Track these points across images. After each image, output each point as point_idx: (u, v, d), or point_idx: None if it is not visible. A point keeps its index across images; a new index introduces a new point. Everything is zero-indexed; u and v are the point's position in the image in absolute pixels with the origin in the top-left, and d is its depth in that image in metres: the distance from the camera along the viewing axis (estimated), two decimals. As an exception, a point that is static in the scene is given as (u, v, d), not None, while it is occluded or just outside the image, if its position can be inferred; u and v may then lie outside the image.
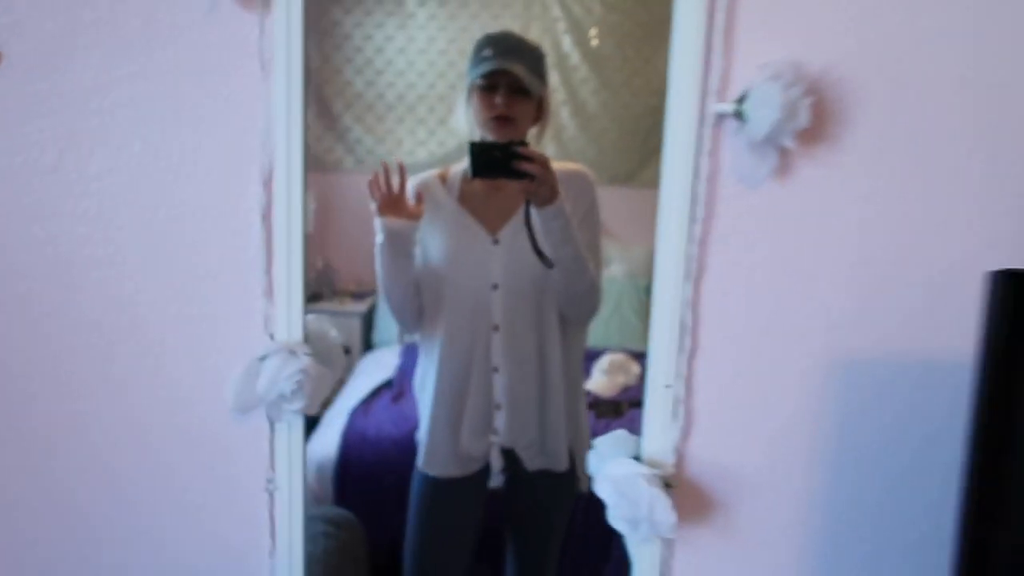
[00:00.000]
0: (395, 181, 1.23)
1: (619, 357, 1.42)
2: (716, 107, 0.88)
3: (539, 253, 1.25)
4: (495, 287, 1.32)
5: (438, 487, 1.41)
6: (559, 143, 2.65)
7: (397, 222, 1.24)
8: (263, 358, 0.89)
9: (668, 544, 0.98)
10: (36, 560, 1.04)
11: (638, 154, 1.42)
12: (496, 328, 1.33)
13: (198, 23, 0.89)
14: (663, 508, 0.92)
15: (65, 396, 0.98)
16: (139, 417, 0.99)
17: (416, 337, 1.49)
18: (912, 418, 0.95)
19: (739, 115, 0.86)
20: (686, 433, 0.97)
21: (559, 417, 1.36)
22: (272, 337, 0.92)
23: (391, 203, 1.23)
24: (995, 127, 0.91)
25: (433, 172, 1.40)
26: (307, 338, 0.93)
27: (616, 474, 0.94)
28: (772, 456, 0.99)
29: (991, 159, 0.91)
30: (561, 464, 1.38)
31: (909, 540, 0.97)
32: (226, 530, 1.00)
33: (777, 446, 0.99)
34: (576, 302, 1.33)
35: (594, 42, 2.61)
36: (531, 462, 1.38)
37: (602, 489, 0.95)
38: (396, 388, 2.06)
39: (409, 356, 2.12)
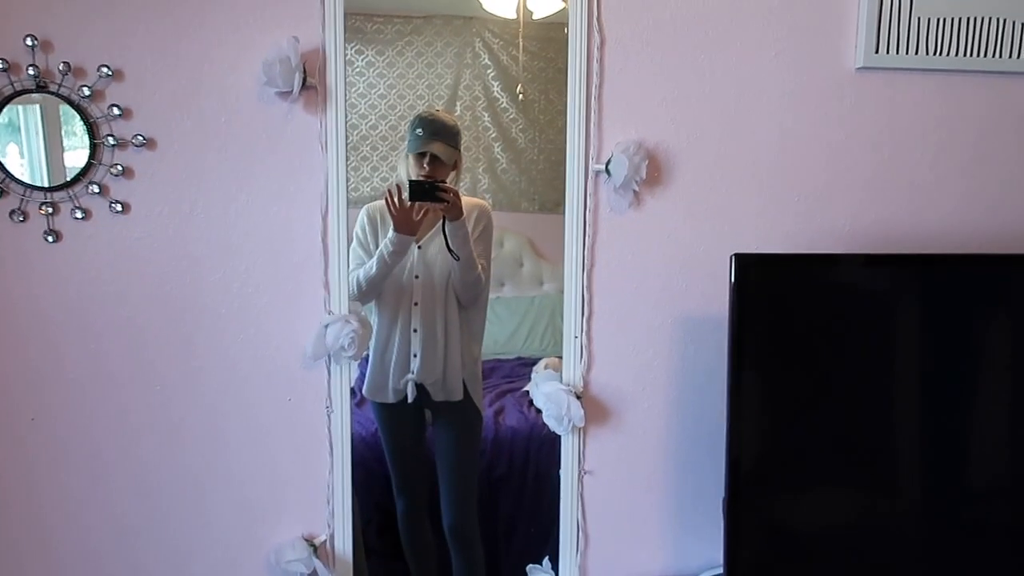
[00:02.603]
0: (398, 200, 1.80)
1: (553, 361, 1.60)
2: (594, 166, 1.45)
3: (450, 250, 1.86)
4: (416, 276, 1.95)
5: (382, 408, 2.00)
6: (493, 175, 2.93)
7: (407, 238, 1.81)
8: (327, 325, 1.42)
9: (581, 434, 1.54)
10: (145, 467, 1.47)
11: (564, 185, 1.71)
12: (416, 304, 1.95)
13: (280, 121, 1.39)
14: (576, 408, 1.47)
15: (189, 355, 1.43)
16: (241, 368, 1.45)
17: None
18: (714, 352, 1.48)
19: (607, 171, 1.44)
20: (588, 366, 1.52)
21: (456, 364, 1.97)
22: (330, 312, 1.46)
23: (405, 220, 1.79)
24: (743, 174, 1.51)
25: (380, 201, 2.03)
26: (350, 312, 1.47)
27: (547, 391, 1.49)
28: (642, 379, 1.53)
29: (743, 191, 1.51)
30: (456, 396, 1.98)
31: (717, 423, 1.39)
32: (299, 443, 1.49)
33: (644, 373, 1.53)
34: (467, 287, 1.94)
35: (521, 96, 2.96)
36: (436, 395, 1.97)
37: (538, 400, 1.50)
38: (358, 396, 2.54)
39: (364, 367, 2.58)
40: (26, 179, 1.35)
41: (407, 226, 1.81)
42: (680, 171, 1.49)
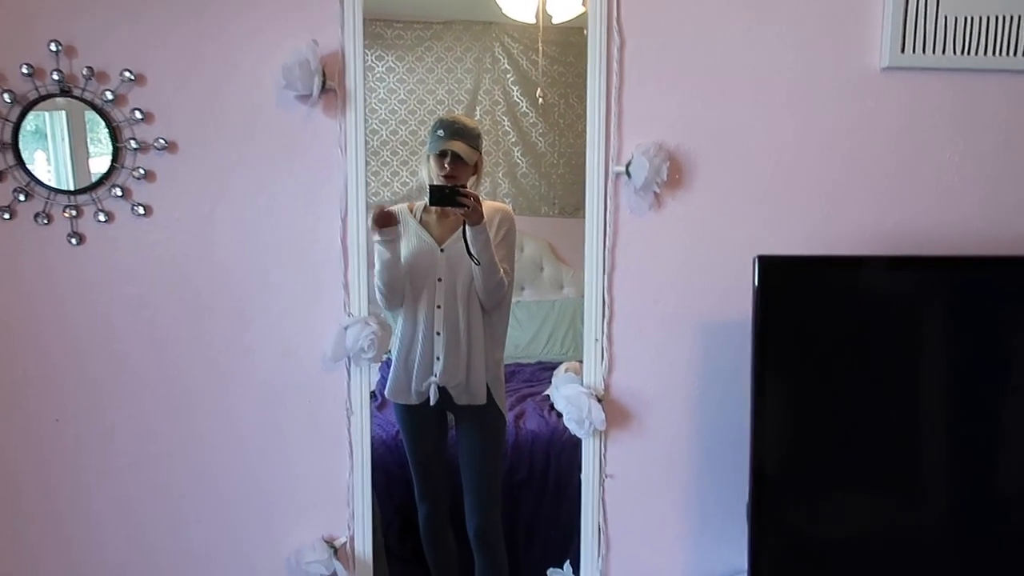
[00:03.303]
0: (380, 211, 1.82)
1: (574, 365, 1.59)
2: (614, 168, 1.44)
3: (471, 255, 1.87)
4: (439, 280, 1.95)
5: (405, 410, 2.00)
6: (513, 179, 2.93)
7: (387, 229, 1.82)
8: (346, 327, 1.42)
9: (602, 438, 1.52)
10: (165, 468, 1.49)
11: (584, 189, 1.69)
12: (439, 307, 1.95)
13: (299, 124, 1.39)
14: (597, 411, 1.46)
15: (210, 357, 1.44)
16: (261, 371, 1.46)
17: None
18: (737, 355, 1.45)
19: (628, 173, 1.43)
20: (609, 369, 1.51)
21: (479, 367, 1.97)
22: (349, 314, 1.46)
23: (382, 219, 1.79)
24: (764, 176, 1.49)
25: (404, 205, 2.05)
26: (370, 314, 1.47)
27: (568, 393, 1.48)
28: (663, 383, 1.52)
29: (766, 193, 1.49)
30: (480, 400, 1.98)
31: (740, 427, 1.38)
32: (319, 445, 1.49)
33: (665, 376, 1.52)
34: (490, 292, 1.94)
35: (540, 100, 2.95)
36: (459, 398, 1.97)
37: (559, 403, 1.49)
38: (379, 399, 2.54)
39: (385, 370, 2.58)
40: (52, 184, 1.37)
41: (382, 221, 1.80)
42: (701, 173, 1.48)
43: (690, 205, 1.48)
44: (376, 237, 1.93)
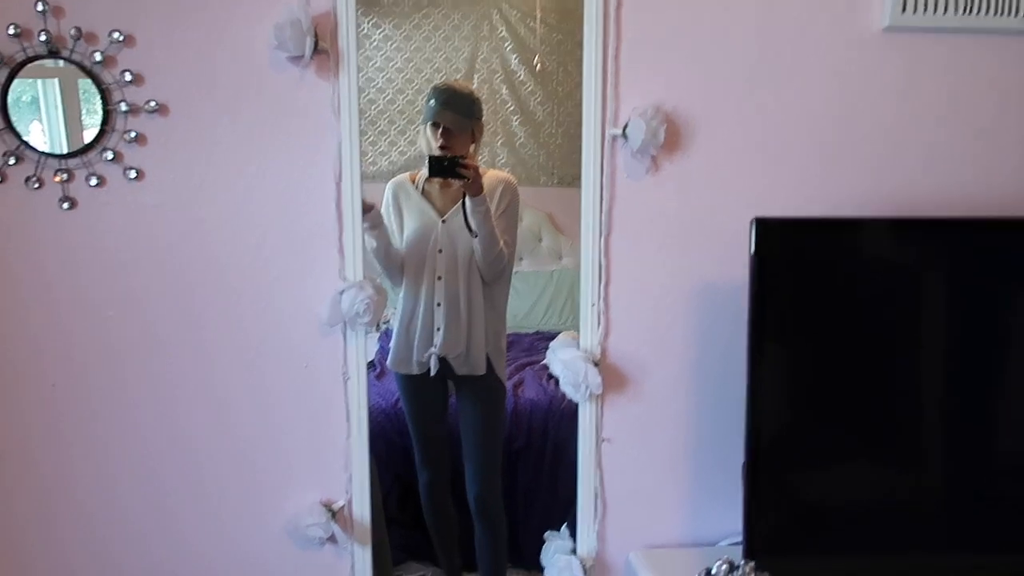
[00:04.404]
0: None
1: (572, 334, 1.59)
2: (611, 131, 1.42)
3: (469, 227, 1.87)
4: (440, 251, 1.95)
5: (406, 380, 2.07)
6: (511, 149, 2.93)
7: (368, 215, 1.80)
8: (342, 291, 1.41)
9: (598, 402, 1.51)
10: (163, 432, 1.49)
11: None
12: (440, 278, 1.97)
13: (292, 87, 1.37)
14: (593, 375, 1.45)
15: (205, 322, 1.44)
16: (257, 336, 1.45)
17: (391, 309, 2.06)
18: (734, 319, 1.38)
19: (624, 136, 1.41)
20: (606, 334, 1.50)
21: (479, 338, 1.97)
22: (345, 279, 1.45)
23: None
24: (762, 139, 1.47)
25: (406, 175, 2.04)
26: (365, 278, 1.46)
27: (564, 358, 1.48)
28: (660, 346, 1.51)
29: (764, 156, 1.47)
30: (480, 370, 2.00)
31: (737, 391, 1.34)
32: (316, 410, 1.48)
33: (662, 340, 1.51)
34: (489, 264, 1.95)
35: (538, 67, 2.92)
36: (459, 368, 1.99)
37: (555, 367, 1.49)
38: (378, 368, 2.55)
39: (385, 340, 2.59)
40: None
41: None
42: (699, 135, 1.46)
43: (687, 168, 1.47)
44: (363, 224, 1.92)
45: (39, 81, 1.37)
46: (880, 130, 1.49)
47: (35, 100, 1.37)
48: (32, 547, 1.50)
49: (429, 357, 2.02)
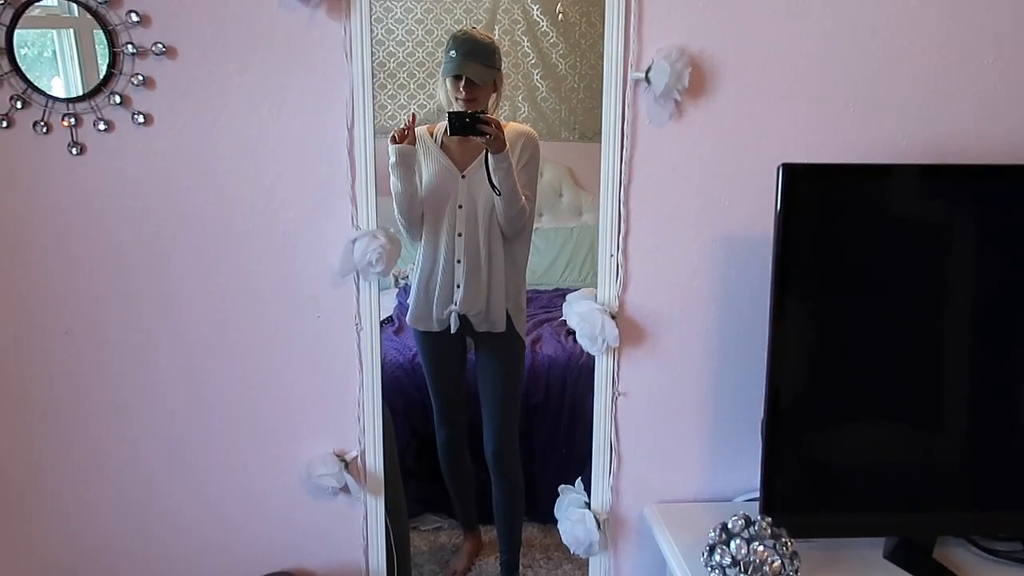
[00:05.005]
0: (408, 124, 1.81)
1: (591, 290, 1.56)
2: (633, 75, 1.36)
3: (492, 184, 1.82)
4: (460, 207, 1.91)
5: (425, 337, 2.05)
6: (532, 103, 2.88)
7: (403, 146, 1.80)
8: (354, 240, 1.38)
9: (615, 355, 1.48)
10: (176, 383, 1.49)
11: None
12: (460, 234, 1.92)
13: (302, 28, 1.33)
14: (610, 327, 1.43)
15: (215, 271, 1.42)
16: (269, 286, 1.43)
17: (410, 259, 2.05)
18: (758, 272, 1.36)
19: (647, 80, 1.35)
20: (624, 285, 1.46)
21: (499, 295, 1.95)
22: (357, 227, 1.42)
23: (401, 135, 1.77)
24: (793, 83, 1.40)
25: (424, 127, 1.98)
26: (379, 227, 1.43)
27: (581, 310, 1.44)
28: (680, 300, 1.47)
29: (794, 100, 1.40)
30: (499, 327, 1.98)
31: (759, 347, 1.31)
32: (329, 361, 1.47)
33: (682, 293, 1.47)
34: (511, 220, 1.91)
35: (560, 16, 2.84)
36: (479, 326, 1.97)
37: (572, 320, 1.46)
38: (396, 323, 2.53)
39: (403, 296, 2.57)
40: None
41: (401, 138, 1.84)
42: (725, 79, 1.39)
43: (713, 114, 1.40)
44: (390, 159, 1.87)
45: (54, 32, 1.35)
46: (918, 75, 1.41)
47: (55, 55, 1.36)
48: (54, 490, 1.52)
49: (449, 314, 1.99)
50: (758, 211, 1.42)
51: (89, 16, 1.30)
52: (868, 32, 1.39)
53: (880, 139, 1.43)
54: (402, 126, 1.87)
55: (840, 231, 1.28)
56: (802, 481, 1.34)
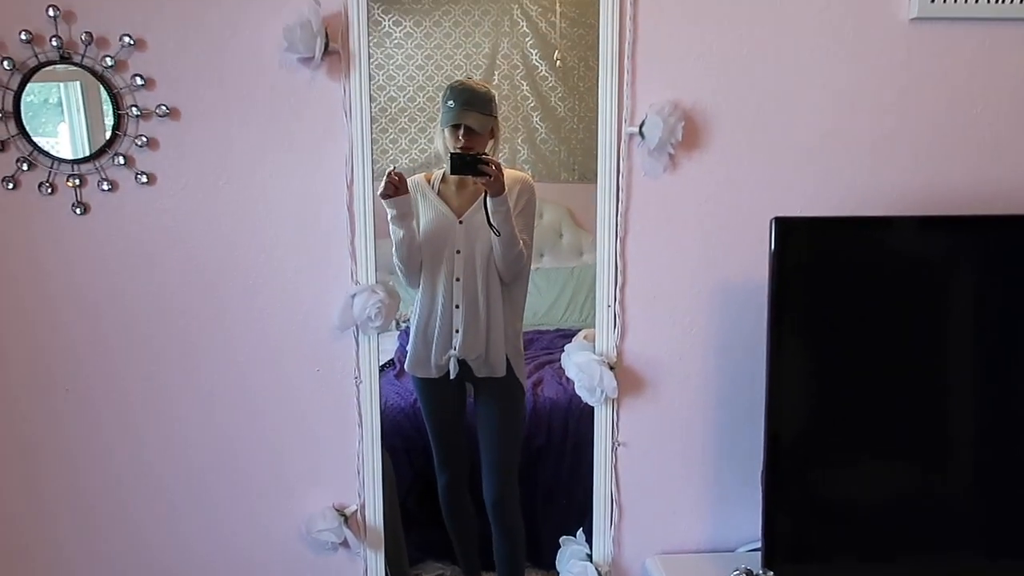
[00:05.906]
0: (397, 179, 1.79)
1: (592, 332, 1.57)
2: (627, 129, 1.39)
3: (491, 226, 1.83)
4: (458, 252, 1.92)
5: (424, 384, 2.02)
6: (532, 145, 2.89)
7: (398, 198, 1.80)
8: (353, 295, 1.40)
9: (614, 405, 1.48)
10: (177, 436, 1.49)
11: None
12: (458, 279, 1.93)
13: (304, 88, 1.36)
14: (608, 379, 1.43)
15: (218, 326, 1.44)
16: (271, 339, 1.45)
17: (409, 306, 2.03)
18: (754, 321, 1.37)
19: (641, 134, 1.38)
20: (622, 335, 1.47)
21: (499, 340, 1.94)
22: (356, 282, 1.43)
23: (393, 190, 1.77)
24: (785, 134, 1.43)
25: (421, 175, 2.01)
26: (378, 282, 1.44)
27: (579, 361, 1.45)
28: (678, 348, 1.48)
29: (785, 153, 1.43)
30: (499, 372, 1.96)
31: (756, 394, 1.32)
32: (328, 414, 1.47)
33: (680, 342, 1.48)
34: (509, 264, 1.92)
35: (559, 62, 2.88)
36: (478, 371, 1.96)
37: (570, 371, 1.47)
38: (397, 366, 2.53)
39: (404, 339, 2.57)
40: (68, 156, 1.36)
41: (393, 190, 1.78)
42: (718, 132, 1.42)
43: (706, 166, 1.43)
44: (388, 213, 1.89)
45: (60, 85, 1.37)
46: (908, 125, 1.44)
47: (60, 103, 1.38)
48: (38, 552, 1.51)
49: (448, 359, 2.00)
50: (754, 260, 1.43)
51: (84, 71, 1.33)
52: (857, 86, 1.42)
53: (873, 189, 1.45)
54: (384, 182, 1.82)
55: (834, 280, 1.29)
56: (804, 530, 1.34)
